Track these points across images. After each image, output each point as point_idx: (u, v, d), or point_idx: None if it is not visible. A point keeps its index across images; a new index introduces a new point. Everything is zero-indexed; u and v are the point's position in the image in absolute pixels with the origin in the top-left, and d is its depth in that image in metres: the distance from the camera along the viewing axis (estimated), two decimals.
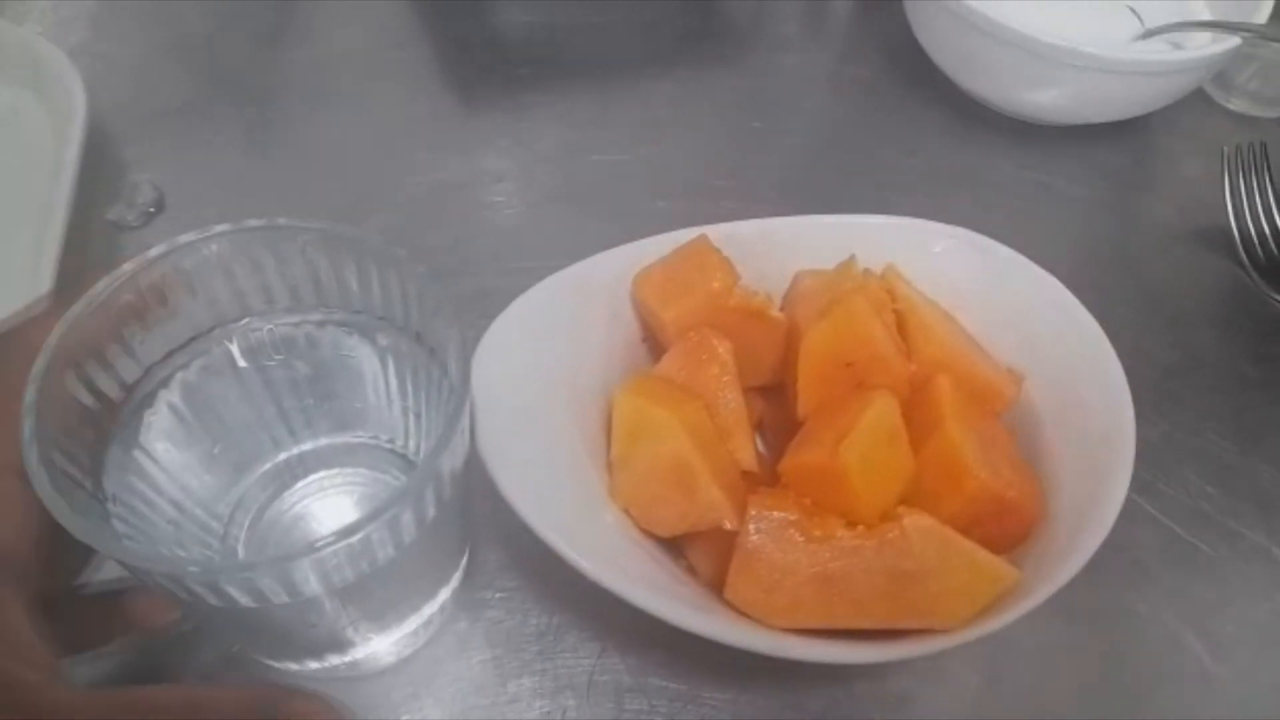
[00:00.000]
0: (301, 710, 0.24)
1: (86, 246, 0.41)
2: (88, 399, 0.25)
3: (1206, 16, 0.51)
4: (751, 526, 0.29)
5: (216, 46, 0.53)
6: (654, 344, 0.36)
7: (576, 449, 0.32)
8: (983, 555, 0.28)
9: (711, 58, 0.55)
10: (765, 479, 0.32)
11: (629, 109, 0.52)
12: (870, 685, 0.33)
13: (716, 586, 0.30)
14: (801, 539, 0.29)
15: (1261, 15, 0.47)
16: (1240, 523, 0.39)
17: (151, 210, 0.44)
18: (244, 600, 0.22)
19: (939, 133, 0.52)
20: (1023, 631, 0.35)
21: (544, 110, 0.51)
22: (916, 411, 0.32)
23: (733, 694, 0.33)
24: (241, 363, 0.28)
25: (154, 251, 0.25)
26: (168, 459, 0.27)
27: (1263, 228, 0.46)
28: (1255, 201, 0.46)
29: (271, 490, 0.30)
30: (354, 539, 0.21)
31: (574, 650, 0.34)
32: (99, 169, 0.44)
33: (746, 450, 0.32)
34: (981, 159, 0.51)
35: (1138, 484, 0.38)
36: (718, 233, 0.36)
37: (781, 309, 0.36)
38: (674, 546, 0.32)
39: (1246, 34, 0.46)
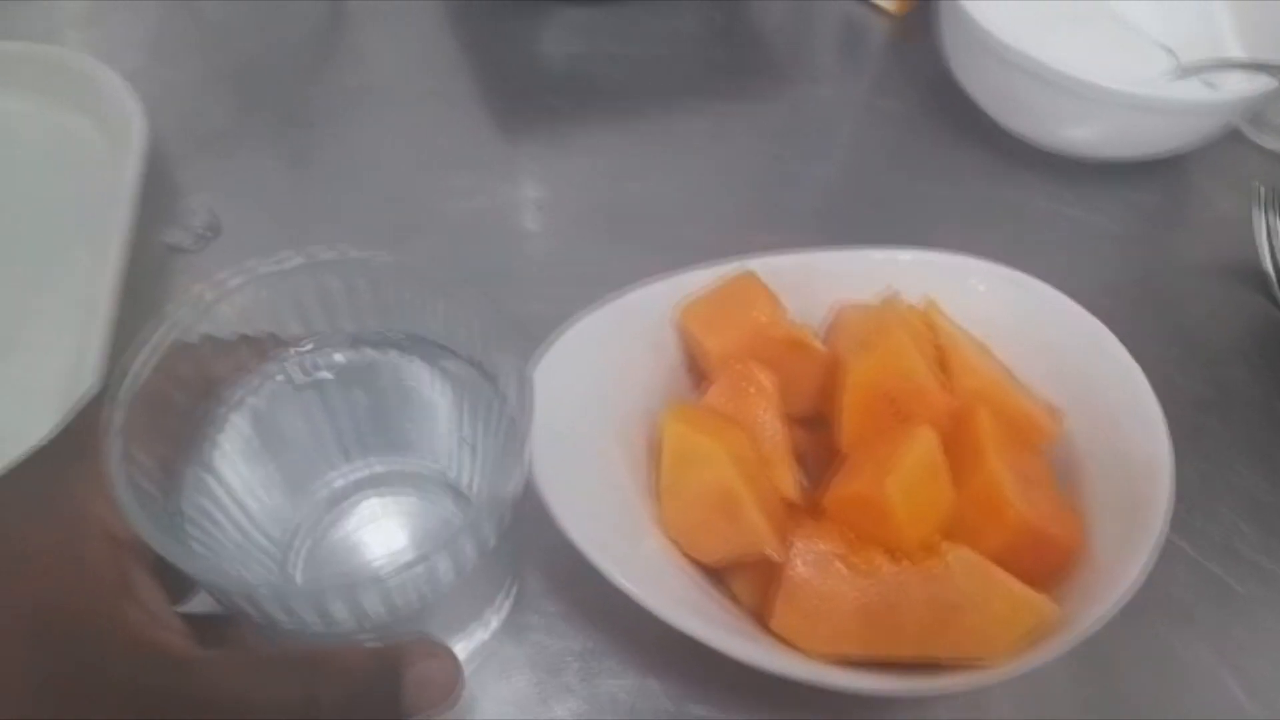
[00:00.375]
0: (425, 673, 0.24)
1: (142, 269, 0.42)
2: (166, 420, 0.25)
3: (1240, 54, 0.51)
4: (796, 557, 0.29)
5: (267, 72, 0.55)
6: (697, 374, 0.36)
7: (622, 475, 0.33)
8: (1023, 590, 0.29)
9: (749, 90, 0.56)
10: (807, 508, 0.33)
11: (666, 140, 0.52)
12: (910, 716, 0.34)
13: (759, 614, 0.31)
14: (845, 570, 0.29)
15: None
16: (1273, 560, 0.39)
17: (207, 234, 0.45)
18: (314, 623, 0.23)
19: (973, 166, 0.52)
20: (1059, 666, 0.35)
21: (582, 139, 0.52)
22: (957, 445, 0.33)
23: None
24: (303, 387, 0.29)
25: (234, 281, 0.26)
26: (233, 480, 0.28)
27: None
28: None
29: (326, 513, 0.31)
30: (419, 568, 0.22)
31: (615, 675, 0.34)
32: (153, 192, 0.45)
33: (789, 480, 0.33)
34: (1015, 193, 0.51)
35: (1172, 520, 0.38)
36: (758, 265, 0.37)
37: (822, 341, 0.37)
38: (716, 574, 0.33)
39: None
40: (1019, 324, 0.37)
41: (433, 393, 0.30)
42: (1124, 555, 0.30)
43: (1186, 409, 0.43)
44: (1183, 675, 0.36)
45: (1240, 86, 0.47)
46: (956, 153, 0.53)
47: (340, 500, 0.31)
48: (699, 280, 0.37)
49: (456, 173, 0.50)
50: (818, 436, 0.36)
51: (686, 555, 0.32)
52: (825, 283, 0.38)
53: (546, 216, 0.49)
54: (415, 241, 0.47)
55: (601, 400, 0.34)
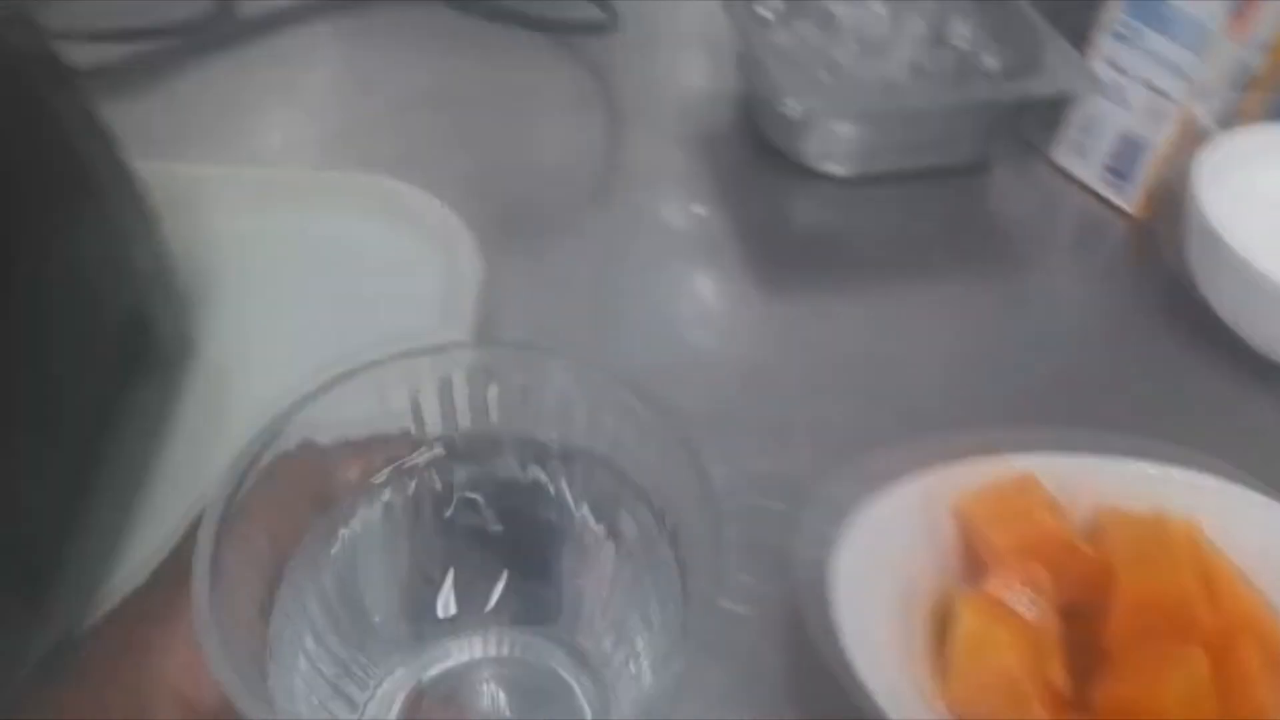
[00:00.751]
0: None
1: None
2: (261, 548, 0.23)
3: None
4: None
5: (548, 206, 0.62)
6: (971, 561, 0.40)
7: (906, 645, 0.37)
8: None
9: (987, 274, 0.60)
10: (1072, 702, 0.36)
11: (906, 311, 0.57)
12: None
13: None
14: None
15: None
16: None
17: None
18: None
19: (1206, 372, 0.55)
20: None
21: (827, 302, 0.57)
22: (1223, 667, 0.35)
23: None
24: (423, 506, 0.26)
25: (333, 378, 0.23)
26: (332, 604, 0.25)
27: None
28: None
29: (429, 670, 0.27)
30: None
31: None
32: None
33: (1060, 674, 0.36)
34: (1251, 404, 0.53)
35: None
36: (1030, 462, 0.41)
37: (1086, 540, 0.40)
38: None
39: None
40: (1274, 551, 0.40)
41: (578, 530, 0.25)
42: None
43: None
44: None
45: None
46: (1190, 356, 0.55)
47: (448, 656, 0.27)
48: (974, 473, 0.41)
49: (710, 321, 0.56)
50: (1078, 631, 0.39)
51: None
52: (1090, 485, 0.41)
53: (790, 372, 0.54)
54: (666, 383, 0.51)
55: (888, 574, 0.38)
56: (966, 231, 0.63)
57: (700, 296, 0.58)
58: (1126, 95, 0.59)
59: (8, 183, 0.33)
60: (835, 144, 0.62)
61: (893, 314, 0.57)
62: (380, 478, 0.25)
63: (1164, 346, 0.56)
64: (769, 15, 0.64)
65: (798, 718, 0.40)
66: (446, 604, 0.27)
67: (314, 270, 0.56)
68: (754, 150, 0.66)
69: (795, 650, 0.40)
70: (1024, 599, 0.37)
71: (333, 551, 0.25)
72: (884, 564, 0.38)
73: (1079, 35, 0.61)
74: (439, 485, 0.26)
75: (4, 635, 0.31)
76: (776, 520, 0.43)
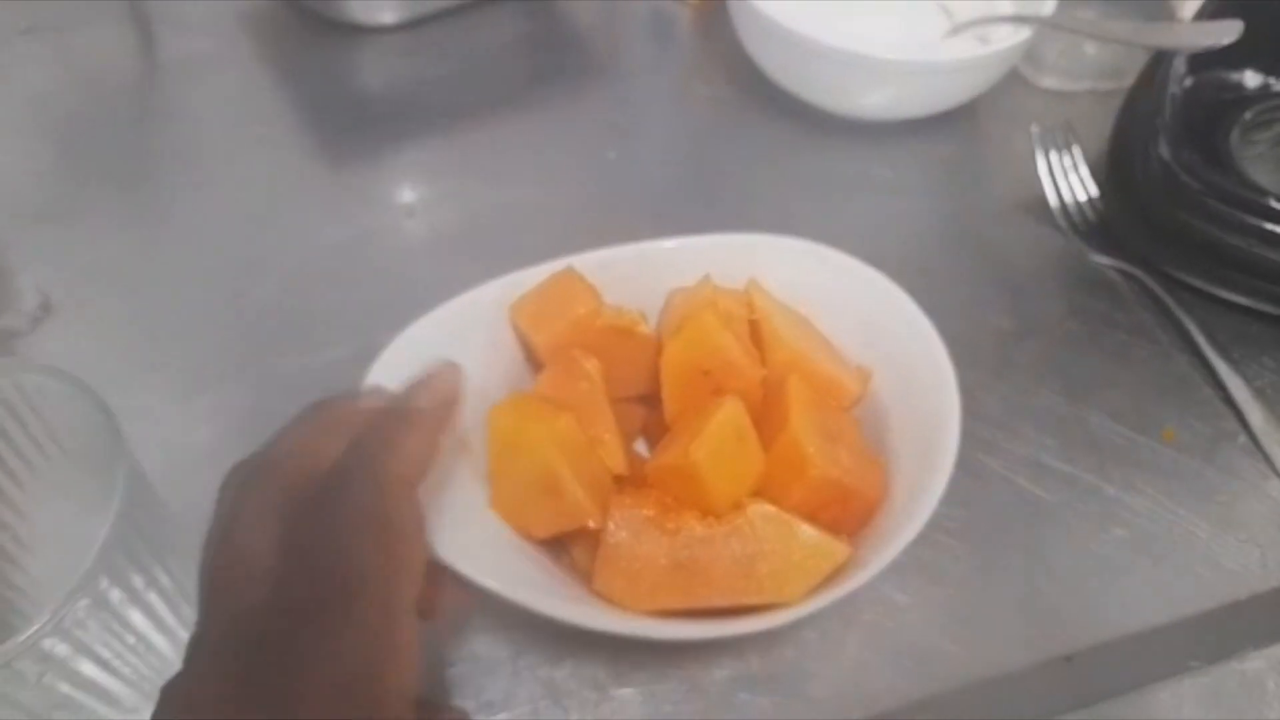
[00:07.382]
0: None
1: None
2: None
3: (1009, 10, 0.55)
4: (612, 524, 0.33)
5: (86, 140, 0.54)
6: (535, 365, 0.39)
7: (460, 465, 0.35)
8: (818, 536, 0.32)
9: (569, 92, 0.58)
10: (644, 480, 0.36)
11: (495, 151, 0.54)
12: (763, 661, 0.37)
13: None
14: (657, 532, 0.32)
15: (1048, 9, 0.52)
16: (1076, 467, 0.43)
17: (39, 314, 0.46)
18: None
19: (783, 142, 0.55)
20: (893, 590, 0.39)
21: (408, 161, 0.54)
22: (769, 411, 0.36)
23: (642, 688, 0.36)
24: None
25: None
26: None
27: (1075, 196, 0.51)
28: (1066, 174, 0.51)
29: None
30: None
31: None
32: None
33: (617, 456, 0.36)
34: (824, 162, 0.55)
35: (981, 445, 0.43)
36: (590, 260, 0.39)
37: (658, 326, 0.40)
38: (559, 548, 0.35)
39: (1038, 24, 0.51)
40: (830, 294, 0.40)
41: None
42: (917, 498, 0.33)
43: (991, 341, 0.47)
44: (998, 579, 0.40)
45: (1009, 38, 0.51)
46: (767, 131, 0.56)
47: None
48: (530, 280, 0.39)
49: (291, 214, 0.51)
50: (655, 413, 0.39)
51: (520, 533, 0.34)
52: (657, 271, 0.40)
53: (386, 244, 0.50)
54: (262, 290, 0.48)
55: None
56: (539, 54, 0.60)
57: (278, 190, 0.52)
58: None
59: None
60: None
61: (488, 155, 0.54)
62: None
63: (744, 126, 0.57)
64: None
65: None
66: None
67: None
68: (297, 19, 0.60)
69: None
70: (572, 391, 0.36)
71: None
72: None
73: None
74: None
75: None
76: None
